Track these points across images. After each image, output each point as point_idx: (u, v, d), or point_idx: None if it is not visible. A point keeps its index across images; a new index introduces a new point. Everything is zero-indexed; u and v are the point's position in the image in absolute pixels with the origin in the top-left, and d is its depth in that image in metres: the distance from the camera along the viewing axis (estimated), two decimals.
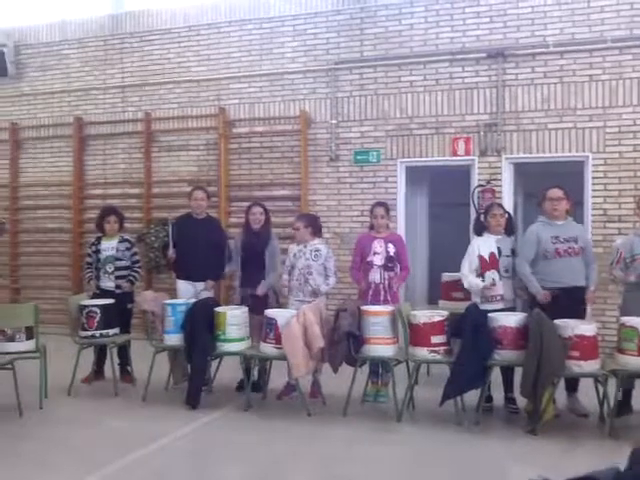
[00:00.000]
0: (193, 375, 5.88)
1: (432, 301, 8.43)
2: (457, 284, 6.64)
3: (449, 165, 8.42)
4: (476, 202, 8.06)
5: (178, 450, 4.84)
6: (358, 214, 8.61)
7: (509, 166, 8.08)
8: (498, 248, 5.72)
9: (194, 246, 6.61)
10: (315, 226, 6.43)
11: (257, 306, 6.11)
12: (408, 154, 8.49)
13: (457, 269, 6.95)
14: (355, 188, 8.70)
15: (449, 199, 9.46)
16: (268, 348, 5.76)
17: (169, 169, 9.63)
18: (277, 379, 6.24)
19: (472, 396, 5.48)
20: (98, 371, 6.78)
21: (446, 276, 7.02)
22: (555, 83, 7.87)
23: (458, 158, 8.26)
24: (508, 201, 7.87)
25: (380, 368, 6.04)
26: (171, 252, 6.78)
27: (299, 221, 6.32)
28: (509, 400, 5.71)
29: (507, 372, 5.69)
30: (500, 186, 8.04)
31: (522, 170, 8.34)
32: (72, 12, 10.33)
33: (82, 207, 10.14)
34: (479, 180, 8.14)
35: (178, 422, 5.42)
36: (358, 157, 8.68)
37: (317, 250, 6.27)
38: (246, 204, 8.67)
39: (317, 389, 6.05)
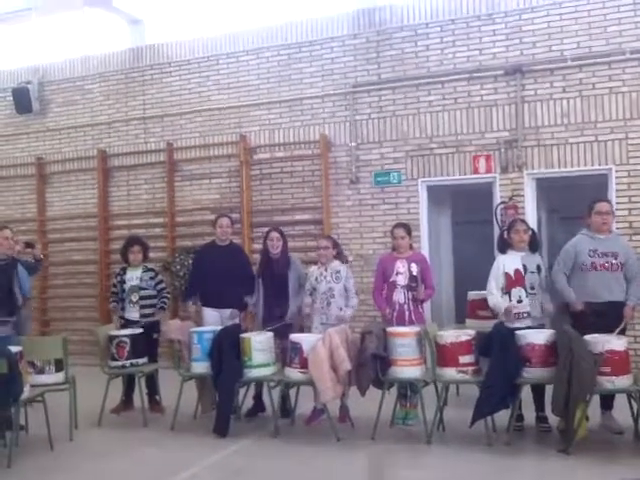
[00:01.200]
0: (221, 403, 5.88)
1: (459, 320, 8.34)
2: (484, 302, 6.58)
3: (471, 183, 8.39)
4: (499, 219, 8.01)
5: (210, 478, 4.82)
6: (381, 235, 8.60)
7: (531, 182, 8.04)
8: (523, 265, 5.66)
9: (219, 273, 6.63)
10: (338, 248, 6.47)
11: (281, 331, 6.11)
12: (429, 174, 8.48)
13: (482, 287, 6.88)
14: (377, 209, 8.70)
15: (472, 217, 9.41)
16: (294, 373, 5.75)
17: (192, 198, 9.72)
18: (304, 404, 6.21)
19: (503, 416, 5.39)
20: (127, 401, 6.80)
21: (472, 294, 6.96)
22: (574, 97, 7.84)
23: (479, 176, 8.24)
24: (531, 217, 7.81)
25: (408, 390, 5.98)
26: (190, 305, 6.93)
27: (326, 240, 6.35)
28: (540, 419, 5.62)
29: (538, 390, 5.60)
30: (522, 202, 7.99)
31: (544, 185, 8.28)
32: (94, 47, 10.56)
33: (108, 238, 10.27)
34: (501, 197, 8.10)
35: (207, 450, 5.41)
36: (378, 179, 8.69)
37: (337, 272, 6.28)
38: (267, 230, 8.82)
39: (345, 413, 6.00)
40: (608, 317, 5.39)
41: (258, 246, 8.85)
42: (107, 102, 10.38)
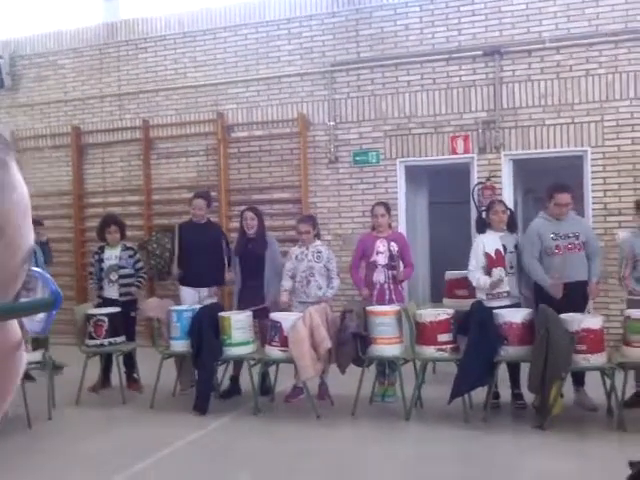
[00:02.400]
0: (201, 381, 5.89)
1: (434, 299, 8.43)
2: (461, 282, 6.67)
3: (448, 163, 8.43)
4: (476, 200, 8.07)
5: (190, 455, 4.85)
6: (359, 215, 8.62)
7: (508, 163, 8.10)
8: (503, 245, 5.73)
9: (196, 252, 6.62)
10: (317, 228, 6.48)
11: (260, 310, 6.13)
12: (407, 154, 8.51)
13: (458, 267, 7.00)
14: (355, 189, 8.71)
15: (448, 197, 9.48)
16: (274, 351, 5.77)
17: (168, 176, 9.63)
18: (284, 382, 6.25)
19: (479, 393, 5.49)
20: (105, 379, 6.78)
21: (450, 274, 7.03)
22: (552, 79, 7.90)
23: (457, 156, 8.28)
24: (508, 198, 7.87)
25: (387, 368, 6.04)
26: (175, 271, 6.83)
27: (306, 224, 6.33)
28: (516, 396, 5.72)
29: (513, 368, 5.70)
30: (500, 183, 8.06)
31: (521, 166, 8.36)
32: (67, 22, 10.35)
33: (83, 216, 10.15)
34: (479, 178, 8.15)
35: (188, 428, 5.43)
36: (357, 158, 8.69)
37: (319, 252, 6.29)
38: (245, 208, 8.79)
39: (325, 391, 6.06)
40: (575, 296, 5.51)
41: (236, 224, 8.83)
42: (81, 78, 10.19)
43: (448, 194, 9.36)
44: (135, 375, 6.77)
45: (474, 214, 8.20)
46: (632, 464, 1.58)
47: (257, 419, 5.65)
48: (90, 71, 10.12)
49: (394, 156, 8.55)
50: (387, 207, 6.27)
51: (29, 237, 0.39)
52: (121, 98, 9.94)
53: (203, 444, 5.10)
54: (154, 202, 9.71)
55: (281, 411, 5.91)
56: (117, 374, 6.47)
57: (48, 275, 0.43)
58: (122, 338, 6.48)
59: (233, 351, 5.88)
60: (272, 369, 6.24)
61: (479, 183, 8.12)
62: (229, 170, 9.30)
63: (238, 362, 6.21)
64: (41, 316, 0.42)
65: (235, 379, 6.34)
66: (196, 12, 9.54)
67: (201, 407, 5.78)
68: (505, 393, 5.78)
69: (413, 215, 9.12)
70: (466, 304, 6.05)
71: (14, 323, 0.38)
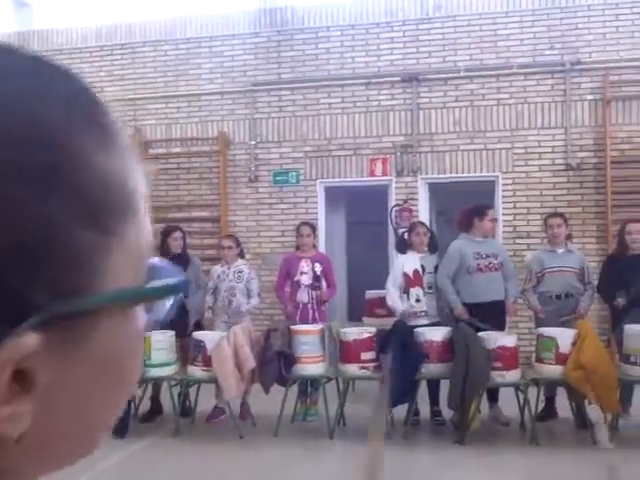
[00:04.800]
0: None
1: (352, 318, 8.56)
2: (381, 301, 6.80)
3: (367, 185, 8.62)
4: (394, 221, 8.28)
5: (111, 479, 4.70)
6: (278, 235, 8.66)
7: (424, 186, 8.37)
8: (422, 265, 5.91)
9: None
10: (240, 246, 6.47)
11: (180, 329, 6.04)
12: (327, 175, 8.63)
13: (375, 286, 7.16)
14: (275, 209, 8.75)
15: (365, 218, 9.67)
16: (197, 371, 5.70)
17: None
18: (204, 402, 6.16)
19: (400, 410, 5.60)
20: None
21: (370, 293, 7.17)
22: (466, 106, 8.24)
23: (376, 178, 8.47)
24: (424, 219, 8.10)
25: (309, 387, 6.08)
26: None
27: (230, 240, 6.31)
28: (435, 412, 5.87)
29: (433, 385, 5.85)
30: (416, 205, 8.31)
31: (436, 189, 8.65)
32: None
33: None
34: (396, 199, 8.37)
35: (105, 452, 5.25)
36: (277, 178, 8.74)
37: (240, 271, 6.28)
38: (163, 226, 8.65)
39: (247, 410, 6.01)
40: (493, 315, 5.74)
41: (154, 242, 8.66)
42: None
43: (366, 215, 9.54)
44: None
45: (391, 235, 8.43)
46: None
47: (178, 441, 5.54)
48: None
49: (314, 177, 8.66)
50: (313, 227, 6.36)
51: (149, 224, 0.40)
52: None
53: (123, 467, 4.95)
54: None
55: (203, 432, 5.82)
56: None
57: (166, 263, 0.44)
58: None
59: (152, 372, 5.74)
60: (193, 389, 6.14)
61: (396, 205, 8.34)
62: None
63: (157, 382, 6.08)
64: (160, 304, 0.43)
65: (155, 399, 6.20)
66: (115, 25, 9.38)
67: (120, 430, 5.59)
68: (424, 410, 5.92)
69: (332, 235, 9.24)
70: (386, 323, 6.19)
71: (141, 311, 0.39)
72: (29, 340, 0.32)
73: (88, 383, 0.36)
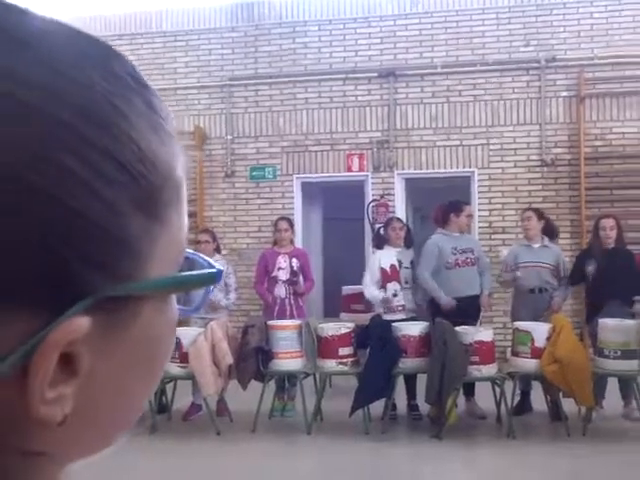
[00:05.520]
0: None
1: (328, 314, 8.56)
2: (358, 296, 6.82)
3: (344, 181, 8.63)
4: (371, 216, 8.29)
5: (84, 476, 4.64)
6: (255, 230, 8.63)
7: (401, 181, 8.39)
8: (399, 260, 5.93)
9: None
10: (216, 241, 6.43)
11: None
12: (304, 170, 8.62)
13: (351, 282, 7.17)
14: (252, 204, 8.72)
15: (342, 214, 9.67)
16: (173, 367, 5.65)
17: None
18: (180, 399, 6.12)
19: (377, 405, 5.61)
20: None
21: (347, 289, 7.17)
22: (442, 102, 8.28)
23: (352, 174, 8.48)
24: (401, 215, 8.13)
25: (286, 382, 6.07)
26: None
27: (205, 234, 6.27)
28: (412, 407, 5.90)
29: (410, 380, 5.87)
30: (393, 200, 8.33)
31: (412, 185, 8.68)
32: None
33: None
34: (373, 195, 8.39)
35: None
36: (254, 173, 8.71)
37: None
38: None
39: (224, 407, 5.98)
40: (469, 309, 5.79)
41: None
42: None
43: (342, 211, 9.54)
44: None
45: (368, 230, 8.45)
46: None
47: (155, 438, 5.49)
48: None
49: (291, 172, 8.64)
50: (290, 222, 6.34)
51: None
52: None
53: (98, 466, 4.89)
54: None
55: (179, 429, 5.78)
56: None
57: (198, 255, 0.45)
58: None
59: None
60: (169, 386, 6.09)
61: (373, 200, 8.35)
62: None
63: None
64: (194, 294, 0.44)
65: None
66: (91, 18, 9.24)
67: None
68: (401, 404, 5.95)
69: (308, 231, 9.23)
70: (362, 318, 6.21)
71: (174, 300, 0.39)
72: (80, 323, 0.31)
73: (126, 370, 0.36)
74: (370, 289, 5.95)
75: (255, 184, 8.73)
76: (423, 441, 5.24)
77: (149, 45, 9.01)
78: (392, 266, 5.92)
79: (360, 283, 7.75)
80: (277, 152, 8.67)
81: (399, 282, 5.89)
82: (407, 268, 5.95)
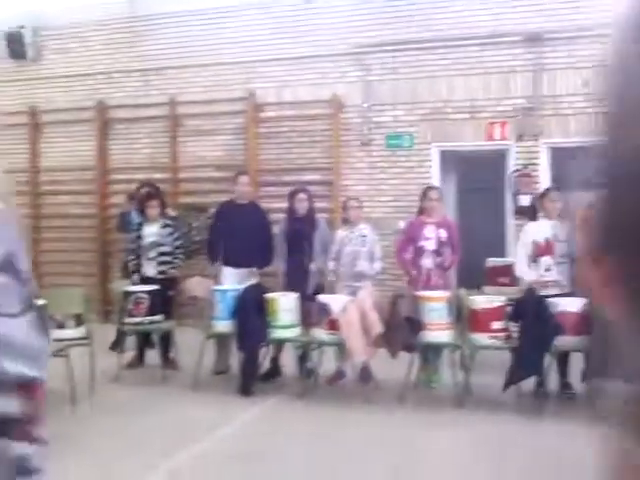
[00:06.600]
0: (246, 362, 5.82)
1: (461, 286, 8.37)
2: (503, 269, 6.63)
3: (484, 150, 8.36)
4: (513, 187, 8.01)
5: (241, 439, 4.79)
6: (391, 199, 8.55)
7: (547, 150, 8.03)
8: (554, 234, 5.68)
9: (239, 232, 6.52)
10: (362, 209, 6.43)
11: (304, 292, 6.06)
12: (442, 138, 8.41)
13: (490, 254, 6.98)
14: (388, 173, 8.62)
15: (478, 184, 9.40)
16: (321, 334, 5.71)
17: (195, 154, 9.50)
18: (323, 365, 6.18)
19: (526, 381, 5.44)
20: (140, 358, 6.70)
21: (491, 261, 6.98)
22: (595, 67, 7.80)
23: (494, 143, 8.20)
24: (546, 186, 7.81)
25: (432, 354, 5.99)
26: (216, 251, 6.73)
27: (357, 201, 6.28)
28: (564, 385, 5.69)
29: (562, 357, 5.66)
30: (537, 171, 7.99)
31: (559, 155, 8.28)
32: None
33: (106, 192, 10.00)
34: (516, 165, 8.08)
35: (233, 410, 5.37)
36: (391, 141, 8.60)
37: (364, 235, 6.22)
38: (274, 189, 8.69)
39: (368, 374, 5.99)
40: None
41: (265, 205, 8.73)
42: (106, 51, 10.01)
43: (478, 181, 9.27)
44: (171, 354, 6.69)
45: (508, 201, 8.18)
46: None
47: (303, 402, 5.59)
48: (116, 45, 9.94)
49: (429, 140, 8.46)
50: (440, 191, 6.20)
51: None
52: (147, 73, 9.78)
53: (253, 427, 5.04)
54: (180, 180, 9.58)
55: (325, 394, 5.84)
56: (154, 353, 6.40)
57: None
58: (160, 317, 6.39)
59: (279, 333, 5.81)
60: (314, 352, 6.17)
61: (516, 170, 8.05)
62: (258, 150, 9.17)
63: (279, 344, 6.14)
64: None
65: (275, 361, 6.27)
66: None
67: (246, 389, 5.71)
68: (551, 382, 5.74)
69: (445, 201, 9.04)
70: (509, 292, 6.02)
71: None
72: None
73: None
74: (521, 266, 5.74)
75: (392, 152, 8.61)
76: (577, 420, 5.03)
77: (285, 12, 9.00)
78: (547, 239, 5.68)
79: (502, 255, 7.56)
80: (415, 120, 8.51)
81: (553, 256, 5.65)
82: (562, 242, 5.68)
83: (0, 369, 0.43)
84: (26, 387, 0.45)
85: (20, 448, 0.44)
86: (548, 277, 5.66)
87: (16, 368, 0.44)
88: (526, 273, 5.69)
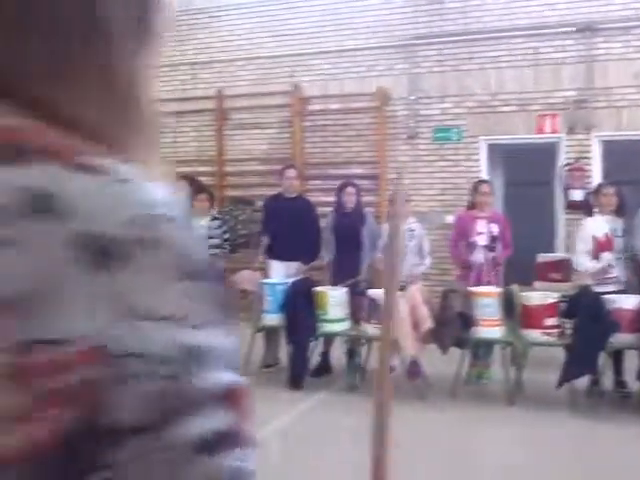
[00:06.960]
0: (296, 356, 5.83)
1: (509, 282, 8.27)
2: (554, 265, 6.52)
3: (534, 143, 8.22)
4: (564, 181, 7.86)
5: (293, 433, 4.81)
6: (437, 193, 8.47)
7: (599, 144, 7.86)
8: (612, 229, 5.56)
9: (287, 226, 6.53)
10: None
11: (353, 287, 6.04)
12: (490, 132, 8.30)
13: (539, 250, 6.86)
14: (434, 167, 8.54)
15: (526, 177, 9.25)
16: (370, 328, 5.69)
17: (241, 147, 9.54)
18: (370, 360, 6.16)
19: (580, 379, 5.35)
20: None
21: (542, 257, 6.87)
22: None
23: (544, 136, 8.05)
24: (598, 180, 7.65)
25: (483, 350, 5.93)
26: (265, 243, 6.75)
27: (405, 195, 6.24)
28: (619, 383, 5.57)
29: (617, 355, 5.55)
30: (589, 165, 7.83)
31: (611, 148, 8.10)
32: None
33: None
34: (566, 158, 7.93)
35: (283, 404, 5.39)
36: (438, 135, 8.51)
37: (411, 230, 6.19)
38: (319, 183, 8.69)
39: (417, 370, 5.96)
40: None
41: (311, 198, 8.73)
42: None
43: (527, 175, 9.12)
44: None
45: (558, 196, 8.04)
46: None
47: (353, 397, 5.58)
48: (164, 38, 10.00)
49: (477, 134, 8.35)
50: (492, 185, 6.12)
51: None
52: (194, 67, 9.85)
53: (304, 421, 5.06)
54: (226, 174, 9.64)
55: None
56: None
57: None
58: None
59: (328, 327, 5.81)
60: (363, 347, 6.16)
61: (567, 164, 7.90)
62: (303, 144, 9.17)
63: (329, 338, 6.14)
64: None
65: (325, 355, 6.27)
66: None
67: (296, 383, 5.73)
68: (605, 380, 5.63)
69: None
70: (561, 288, 5.92)
71: None
72: None
73: None
74: (583, 259, 5.64)
75: (439, 146, 8.53)
76: (633, 419, 4.93)
77: (331, 6, 8.95)
78: (606, 235, 5.56)
79: (550, 250, 7.44)
80: (463, 113, 8.41)
81: (613, 252, 5.54)
82: (620, 237, 5.57)
83: (213, 380, 0.42)
84: (233, 394, 0.44)
85: (232, 459, 0.43)
86: (611, 273, 5.55)
87: (226, 376, 0.43)
88: (588, 263, 5.58)
